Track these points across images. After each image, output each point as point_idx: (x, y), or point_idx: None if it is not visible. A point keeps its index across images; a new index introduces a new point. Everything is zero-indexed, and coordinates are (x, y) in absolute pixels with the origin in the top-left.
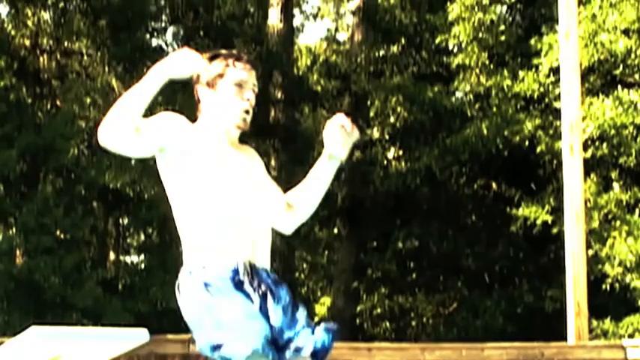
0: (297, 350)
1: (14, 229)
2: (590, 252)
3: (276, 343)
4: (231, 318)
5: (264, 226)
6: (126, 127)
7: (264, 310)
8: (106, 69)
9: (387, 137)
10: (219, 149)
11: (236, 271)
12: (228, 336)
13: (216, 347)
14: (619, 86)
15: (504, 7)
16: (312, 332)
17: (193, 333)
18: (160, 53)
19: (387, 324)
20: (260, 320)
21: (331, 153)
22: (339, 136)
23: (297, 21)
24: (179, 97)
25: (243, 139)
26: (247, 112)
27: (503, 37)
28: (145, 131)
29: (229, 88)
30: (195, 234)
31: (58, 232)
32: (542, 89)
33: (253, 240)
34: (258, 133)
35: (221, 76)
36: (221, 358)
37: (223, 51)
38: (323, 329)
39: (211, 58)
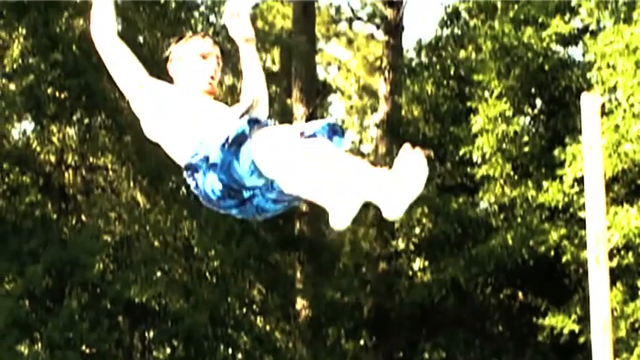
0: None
1: (40, 345)
2: None
3: None
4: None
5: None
6: (107, 26)
7: None
8: (131, 184)
9: (412, 248)
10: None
11: None
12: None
13: (224, 143)
14: None
15: (527, 119)
16: None
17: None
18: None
19: None
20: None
21: (244, 37)
22: (242, 17)
23: None
24: None
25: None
26: (212, 77)
27: (527, 149)
28: (126, 49)
29: (195, 59)
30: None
31: (83, 347)
32: (566, 199)
33: None
34: (283, 246)
35: (187, 50)
36: (231, 152)
37: (189, 33)
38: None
39: (178, 40)
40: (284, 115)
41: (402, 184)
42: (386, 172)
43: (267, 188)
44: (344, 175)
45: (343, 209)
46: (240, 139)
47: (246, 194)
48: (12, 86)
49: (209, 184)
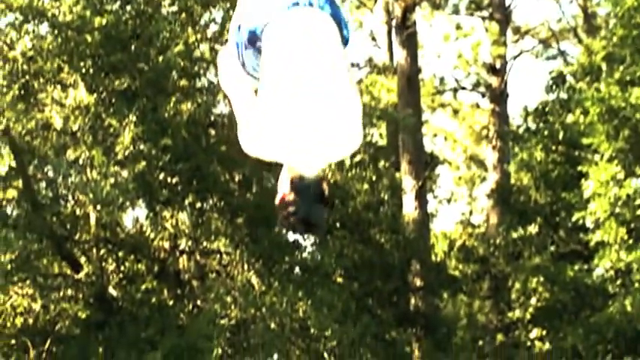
0: None
1: None
2: None
3: None
4: None
5: None
6: None
7: None
8: (245, 267)
9: (528, 318)
10: None
11: None
12: None
13: None
14: None
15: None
16: None
17: None
18: (297, 248)
19: None
20: None
21: None
22: None
23: (431, 206)
24: None
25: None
26: None
27: None
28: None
29: None
30: None
31: None
32: None
33: None
34: (399, 322)
35: None
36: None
37: None
38: None
39: None
40: (393, 189)
41: None
42: None
43: None
44: None
45: None
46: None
47: None
48: (124, 173)
49: None
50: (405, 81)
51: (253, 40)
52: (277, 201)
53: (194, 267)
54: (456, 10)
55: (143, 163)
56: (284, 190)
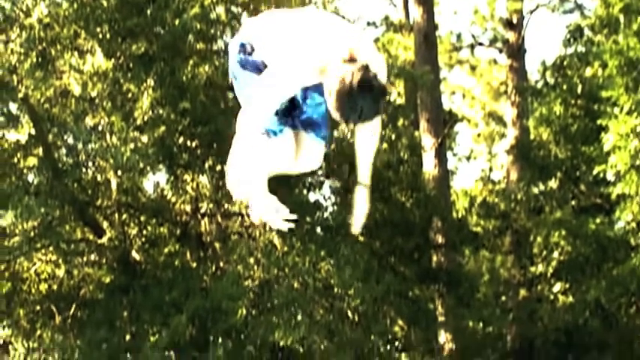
0: None
1: None
2: None
3: None
4: None
5: None
6: None
7: None
8: (267, 227)
9: (551, 272)
10: None
11: None
12: None
13: None
14: None
15: None
16: None
17: None
18: (318, 208)
19: None
20: None
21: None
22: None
23: (450, 164)
24: None
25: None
26: None
27: None
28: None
29: None
30: None
31: None
32: None
33: None
34: (422, 279)
35: None
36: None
37: None
38: None
39: None
40: (413, 148)
41: None
42: None
43: None
44: None
45: None
46: None
47: None
48: (144, 138)
49: None
50: (421, 38)
51: (246, 50)
52: (335, 80)
53: (216, 229)
54: None
55: (162, 127)
56: (338, 73)
